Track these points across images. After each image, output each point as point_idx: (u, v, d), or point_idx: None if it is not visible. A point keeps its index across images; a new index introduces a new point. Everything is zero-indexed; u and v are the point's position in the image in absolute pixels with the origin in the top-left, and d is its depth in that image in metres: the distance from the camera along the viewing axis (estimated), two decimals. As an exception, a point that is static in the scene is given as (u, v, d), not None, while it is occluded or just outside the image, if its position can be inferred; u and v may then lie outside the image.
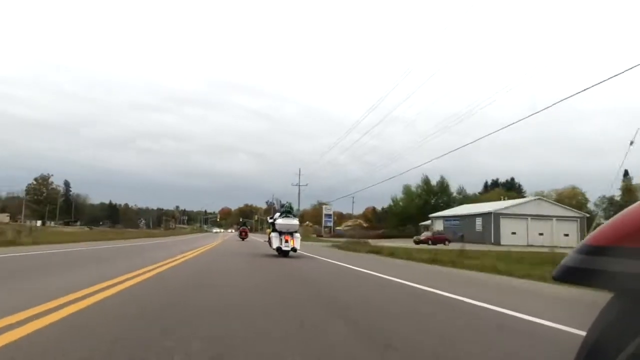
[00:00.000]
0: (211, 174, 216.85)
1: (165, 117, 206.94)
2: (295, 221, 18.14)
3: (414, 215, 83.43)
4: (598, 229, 1.43)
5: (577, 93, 16.07)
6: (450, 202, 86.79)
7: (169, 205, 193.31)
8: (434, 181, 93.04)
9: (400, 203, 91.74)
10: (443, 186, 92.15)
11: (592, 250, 1.39)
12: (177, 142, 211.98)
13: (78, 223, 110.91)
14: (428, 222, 76.47)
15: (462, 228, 63.12)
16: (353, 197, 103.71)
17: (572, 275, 1.43)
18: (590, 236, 1.45)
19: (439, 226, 70.63)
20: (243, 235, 47.70)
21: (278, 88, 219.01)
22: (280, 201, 68.36)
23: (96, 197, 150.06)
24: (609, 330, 1.31)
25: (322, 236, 75.07)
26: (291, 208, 19.16)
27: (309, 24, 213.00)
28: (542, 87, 72.40)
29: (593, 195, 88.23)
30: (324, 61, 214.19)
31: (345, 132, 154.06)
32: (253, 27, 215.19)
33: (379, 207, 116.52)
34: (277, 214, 18.82)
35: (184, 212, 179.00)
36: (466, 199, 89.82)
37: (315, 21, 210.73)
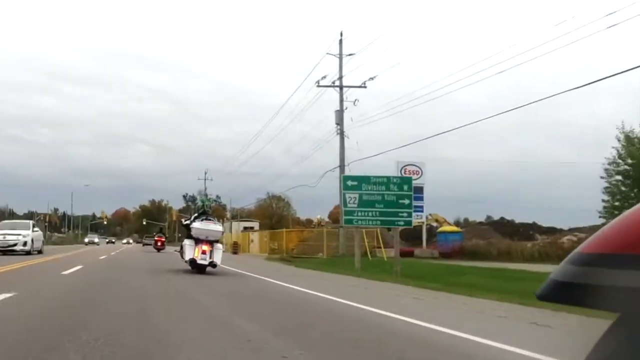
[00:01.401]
0: (103, 170, 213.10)
1: (40, 98, 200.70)
2: (218, 227, 18.47)
3: None
4: (598, 232, 1.47)
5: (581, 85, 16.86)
6: None
7: (45, 208, 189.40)
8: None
9: None
10: None
11: (591, 260, 1.41)
12: (55, 130, 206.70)
13: None
14: None
15: None
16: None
17: (563, 292, 1.44)
18: (587, 242, 1.48)
19: None
20: (159, 246, 49.06)
21: (185, 61, 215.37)
22: (207, 195, 64.35)
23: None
24: None
25: (416, 255, 44.46)
26: (205, 204, 19.08)
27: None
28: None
29: None
30: (245, 24, 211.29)
31: (271, 116, 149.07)
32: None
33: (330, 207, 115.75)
34: (195, 215, 18.92)
35: (63, 216, 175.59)
36: None
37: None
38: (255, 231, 70.84)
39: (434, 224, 59.59)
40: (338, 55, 42.65)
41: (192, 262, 17.68)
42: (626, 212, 1.42)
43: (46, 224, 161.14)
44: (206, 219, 18.34)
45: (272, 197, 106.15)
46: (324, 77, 43.32)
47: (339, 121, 42.54)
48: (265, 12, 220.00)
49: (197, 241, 17.80)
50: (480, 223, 77.27)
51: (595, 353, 1.36)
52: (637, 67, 16.99)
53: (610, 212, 43.25)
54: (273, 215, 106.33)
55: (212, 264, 17.70)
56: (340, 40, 42.90)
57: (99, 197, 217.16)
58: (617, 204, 43.20)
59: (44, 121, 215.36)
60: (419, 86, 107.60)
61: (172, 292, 12.48)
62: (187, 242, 18.17)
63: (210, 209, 20.05)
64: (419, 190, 46.89)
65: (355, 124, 46.90)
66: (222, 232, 19.22)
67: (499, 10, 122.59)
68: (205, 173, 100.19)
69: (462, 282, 18.81)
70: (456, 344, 7.07)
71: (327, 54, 43.05)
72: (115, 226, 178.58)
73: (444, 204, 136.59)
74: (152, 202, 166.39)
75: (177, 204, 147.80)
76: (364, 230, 35.69)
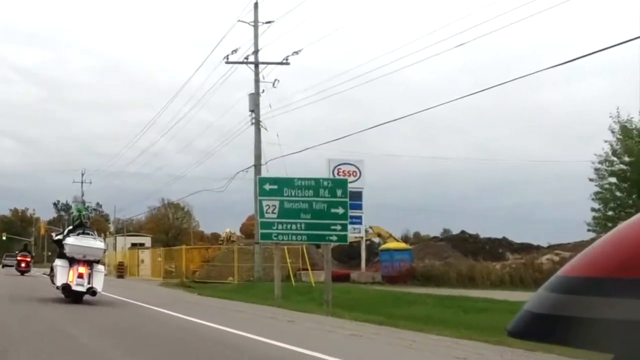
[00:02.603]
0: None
1: None
2: (99, 243, 18.47)
3: None
4: (587, 250, 1.48)
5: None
6: None
7: None
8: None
9: None
10: None
11: (577, 286, 1.41)
12: None
13: None
14: None
15: None
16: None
17: (541, 327, 1.44)
18: (572, 263, 1.49)
19: None
20: (23, 267, 48.43)
21: (59, 32, 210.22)
22: (84, 202, 63.14)
23: None
24: None
25: (352, 279, 44.95)
26: (82, 215, 18.82)
27: None
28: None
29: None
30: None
31: (168, 100, 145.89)
32: None
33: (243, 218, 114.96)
34: (70, 228, 19.36)
35: None
36: None
37: None
38: (147, 249, 70.44)
39: (376, 240, 60.37)
40: (252, 23, 41.98)
41: (66, 288, 17.32)
42: (623, 225, 1.41)
43: None
44: (83, 233, 18.15)
45: (168, 205, 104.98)
46: (235, 51, 42.53)
47: (254, 107, 41.46)
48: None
49: (72, 261, 17.56)
50: (435, 238, 77.85)
51: None
52: (638, 37, 17.10)
53: (602, 224, 42.58)
54: (169, 228, 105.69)
55: (92, 291, 17.42)
56: (256, 4, 41.97)
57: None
58: (610, 213, 42.69)
59: None
60: (357, 63, 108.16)
61: (42, 326, 12.27)
62: (58, 263, 17.88)
63: (88, 221, 19.81)
64: (357, 196, 45.67)
65: (275, 111, 46.59)
66: (104, 250, 19.04)
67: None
68: (83, 174, 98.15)
69: (412, 314, 19.00)
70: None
71: (239, 21, 42.46)
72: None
73: (388, 214, 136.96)
74: (14, 211, 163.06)
75: (47, 214, 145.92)
76: (286, 247, 36.92)
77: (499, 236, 71.61)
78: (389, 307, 20.63)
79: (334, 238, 22.18)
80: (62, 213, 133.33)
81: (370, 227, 57.57)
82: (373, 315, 17.31)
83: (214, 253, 54.56)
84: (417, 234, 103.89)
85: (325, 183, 22.67)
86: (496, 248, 65.00)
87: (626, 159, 41.54)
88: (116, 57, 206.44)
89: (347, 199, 22.32)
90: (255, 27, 41.65)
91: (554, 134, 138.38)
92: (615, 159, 42.15)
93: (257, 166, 41.10)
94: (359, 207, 45.62)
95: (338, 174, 44.79)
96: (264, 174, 36.48)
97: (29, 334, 10.86)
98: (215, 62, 51.68)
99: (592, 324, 1.26)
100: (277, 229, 21.66)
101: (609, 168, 42.04)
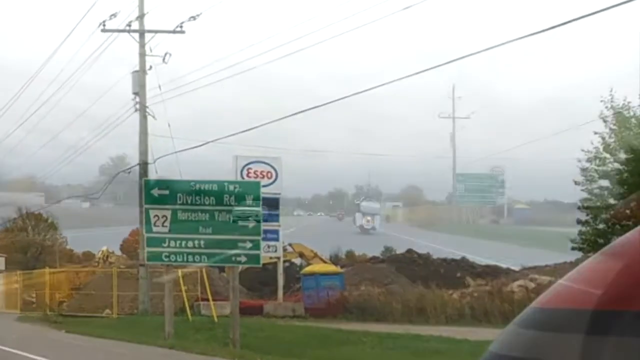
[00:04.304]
0: None
1: None
2: None
3: None
4: (572, 274, 1.53)
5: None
6: None
7: None
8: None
9: None
10: None
11: (559, 321, 1.43)
12: None
13: None
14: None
15: None
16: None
17: None
18: (553, 291, 1.53)
19: None
20: None
21: None
22: None
23: None
24: None
25: (267, 312, 46.19)
26: None
27: None
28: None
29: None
30: None
31: (26, 80, 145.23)
32: None
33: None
34: None
35: None
36: None
37: None
38: (0, 272, 69.54)
39: (298, 261, 60.44)
40: (136, -21, 42.74)
41: None
42: (620, 240, 1.41)
43: None
44: None
45: (27, 215, 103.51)
46: (114, 16, 42.34)
47: (139, 89, 41.36)
48: None
49: None
50: (374, 259, 78.37)
51: None
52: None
53: (590, 240, 40.55)
54: (28, 246, 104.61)
55: None
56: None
57: None
58: (602, 226, 40.79)
59: None
60: (273, 31, 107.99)
61: None
62: None
63: None
64: (273, 203, 46.35)
65: (166, 93, 46.64)
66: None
67: None
68: None
69: (345, 358, 19.17)
70: None
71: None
72: None
73: (313, 227, 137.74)
74: None
75: None
76: (180, 271, 34.33)
77: (457, 256, 72.79)
78: (314, 349, 20.79)
79: (243, 259, 22.17)
80: None
81: (290, 245, 58.33)
82: (294, 359, 17.37)
83: (87, 278, 55.00)
84: (350, 254, 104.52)
85: (232, 187, 22.62)
86: (453, 271, 65.39)
87: (622, 156, 40.34)
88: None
89: (260, 208, 22.28)
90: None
91: (529, 123, 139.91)
92: (608, 155, 42.18)
93: (143, 165, 41.36)
94: (276, 218, 46.26)
95: (248, 175, 45.22)
96: (152, 175, 36.56)
97: None
98: (87, 30, 50.84)
99: None
100: (168, 246, 21.49)
101: (600, 167, 41.96)
